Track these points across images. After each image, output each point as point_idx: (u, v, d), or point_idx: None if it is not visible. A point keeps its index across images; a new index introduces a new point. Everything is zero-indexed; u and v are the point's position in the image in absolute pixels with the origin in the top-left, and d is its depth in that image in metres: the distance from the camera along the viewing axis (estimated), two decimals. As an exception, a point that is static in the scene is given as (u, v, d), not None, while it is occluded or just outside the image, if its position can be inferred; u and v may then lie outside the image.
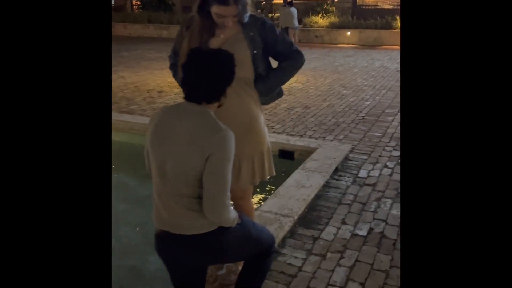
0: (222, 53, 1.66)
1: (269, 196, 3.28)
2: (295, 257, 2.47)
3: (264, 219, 2.73)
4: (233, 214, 1.60)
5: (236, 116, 1.90)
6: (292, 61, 2.00)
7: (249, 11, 1.88)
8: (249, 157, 1.95)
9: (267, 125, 5.08)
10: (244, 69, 1.88)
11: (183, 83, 1.63)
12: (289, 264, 2.41)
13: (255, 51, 1.88)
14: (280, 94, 2.12)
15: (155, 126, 1.63)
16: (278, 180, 3.67)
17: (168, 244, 1.66)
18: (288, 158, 4.20)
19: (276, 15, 14.15)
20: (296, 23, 12.46)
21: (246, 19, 1.85)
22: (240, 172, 1.95)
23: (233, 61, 1.68)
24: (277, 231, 2.60)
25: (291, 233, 2.72)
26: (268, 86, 1.98)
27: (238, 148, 1.88)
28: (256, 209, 2.96)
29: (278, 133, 4.76)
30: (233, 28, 1.86)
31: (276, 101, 6.33)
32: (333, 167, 3.65)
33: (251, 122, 1.94)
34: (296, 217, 2.81)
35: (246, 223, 1.76)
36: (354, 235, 2.73)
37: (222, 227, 1.63)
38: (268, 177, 2.12)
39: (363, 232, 2.75)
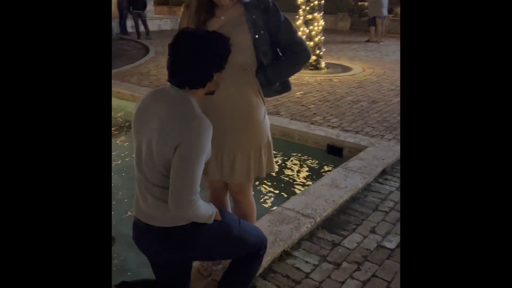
0: (211, 35, 1.54)
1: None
2: (306, 262, 2.30)
3: (282, 216, 2.58)
4: (204, 210, 1.49)
5: (232, 105, 1.76)
6: (291, 55, 1.80)
7: None
8: (245, 150, 1.81)
9: (324, 117, 4.84)
10: (243, 54, 1.73)
11: (167, 65, 1.54)
12: (297, 268, 2.25)
13: (256, 36, 1.72)
14: (285, 88, 1.94)
15: (136, 110, 1.58)
16: (318, 177, 3.47)
17: (141, 234, 1.61)
18: (336, 155, 3.96)
19: (366, 3, 13.45)
20: (385, 12, 11.76)
21: None
22: (234, 166, 1.82)
23: (225, 45, 1.56)
24: (292, 231, 2.44)
25: (310, 235, 2.53)
26: (267, 78, 1.82)
27: (233, 140, 1.77)
28: (279, 205, 2.82)
29: (333, 127, 4.50)
30: (235, 9, 1.73)
31: (341, 93, 6.03)
32: (379, 169, 3.34)
33: (249, 113, 1.79)
34: (318, 219, 2.61)
35: (228, 221, 1.64)
36: (380, 246, 2.46)
37: (196, 223, 1.53)
38: (270, 173, 1.96)
39: (391, 245, 2.47)
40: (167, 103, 1.51)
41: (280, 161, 3.95)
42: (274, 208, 2.73)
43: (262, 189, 3.44)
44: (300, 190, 3.40)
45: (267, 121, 1.90)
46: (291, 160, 3.97)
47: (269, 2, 1.75)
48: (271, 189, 3.47)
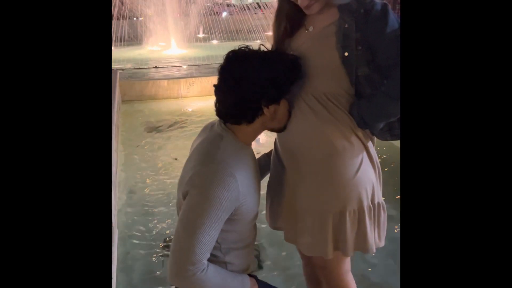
0: (261, 55, 1.20)
1: None
2: None
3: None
4: (214, 284, 1.14)
5: (305, 147, 1.28)
6: (389, 84, 1.16)
7: None
8: (319, 213, 1.29)
9: None
10: (327, 79, 1.23)
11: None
12: None
13: (346, 53, 1.18)
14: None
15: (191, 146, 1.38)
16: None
17: None
18: None
19: None
20: None
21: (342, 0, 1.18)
22: (305, 232, 1.32)
23: (283, 68, 1.20)
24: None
25: None
26: (361, 115, 1.23)
27: (306, 196, 1.33)
28: None
29: None
30: (328, 15, 1.22)
31: None
32: None
33: (329, 161, 1.26)
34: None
35: None
36: None
37: None
38: (363, 252, 1.34)
39: None
40: (202, 139, 1.26)
41: None
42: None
43: None
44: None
45: (367, 176, 1.30)
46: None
47: (374, 3, 1.17)
48: None
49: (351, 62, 1.19)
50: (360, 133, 1.28)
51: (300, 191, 1.32)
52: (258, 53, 1.19)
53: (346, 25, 1.18)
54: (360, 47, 1.18)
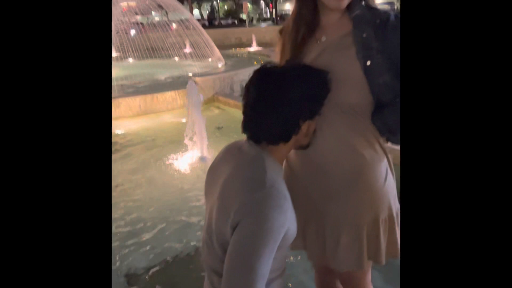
0: (296, 71, 1.13)
1: None
2: None
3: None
4: None
5: (333, 161, 1.24)
6: None
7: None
8: (353, 225, 1.26)
9: None
10: (349, 90, 1.20)
11: (243, 113, 1.17)
12: None
13: (368, 63, 1.17)
14: None
15: (208, 170, 1.25)
16: None
17: None
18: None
19: None
20: None
21: (354, 10, 1.18)
22: (339, 246, 1.27)
23: (318, 83, 1.14)
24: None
25: None
26: (385, 123, 1.23)
27: (337, 210, 1.27)
28: None
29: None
30: (341, 25, 1.22)
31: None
32: None
33: (359, 172, 1.24)
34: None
35: None
36: None
37: None
38: (393, 258, 1.33)
39: None
40: (234, 163, 1.13)
41: None
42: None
43: None
44: None
45: (391, 183, 1.30)
46: None
47: (389, 14, 1.18)
48: None
49: (373, 71, 1.18)
50: (381, 141, 1.28)
51: (331, 206, 1.27)
52: (291, 69, 1.12)
53: (364, 35, 1.17)
54: (379, 56, 1.18)
